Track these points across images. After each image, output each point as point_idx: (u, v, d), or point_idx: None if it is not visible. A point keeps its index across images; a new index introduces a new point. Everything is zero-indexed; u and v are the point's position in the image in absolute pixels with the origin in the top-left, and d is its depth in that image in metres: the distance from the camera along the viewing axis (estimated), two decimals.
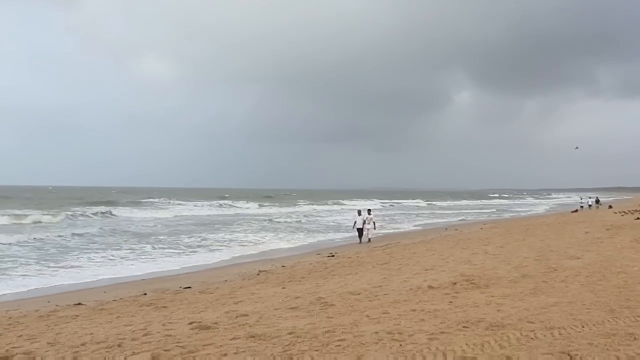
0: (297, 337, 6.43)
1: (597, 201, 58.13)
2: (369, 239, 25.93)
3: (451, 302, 8.40)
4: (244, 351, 5.83)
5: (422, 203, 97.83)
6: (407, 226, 39.90)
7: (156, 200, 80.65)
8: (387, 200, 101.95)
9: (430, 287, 9.97)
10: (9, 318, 9.75)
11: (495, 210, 70.49)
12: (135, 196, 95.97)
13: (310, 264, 17.05)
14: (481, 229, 30.85)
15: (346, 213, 54.76)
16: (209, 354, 5.77)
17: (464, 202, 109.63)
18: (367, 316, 7.60)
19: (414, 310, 7.85)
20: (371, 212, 27.53)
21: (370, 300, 9.02)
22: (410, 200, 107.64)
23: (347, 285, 11.18)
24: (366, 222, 26.41)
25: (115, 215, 47.23)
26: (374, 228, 26.92)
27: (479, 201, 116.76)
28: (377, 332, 6.44)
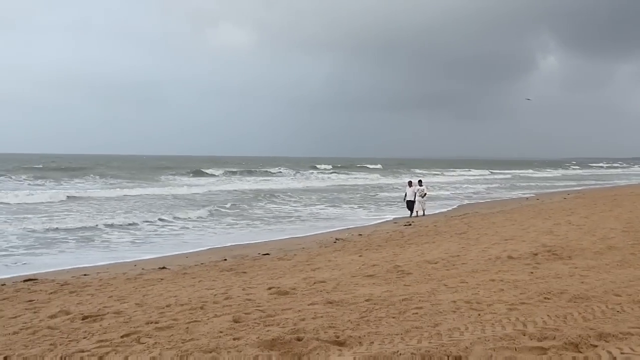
0: (374, 304, 6.47)
1: None
2: (423, 212, 24.65)
3: (532, 272, 8.20)
4: (321, 317, 5.92)
5: (535, 173, 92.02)
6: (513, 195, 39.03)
7: (274, 170, 79.42)
8: (497, 170, 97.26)
9: (509, 257, 9.78)
10: (100, 280, 10.32)
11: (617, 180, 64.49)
12: (227, 165, 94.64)
13: (387, 232, 17.05)
14: (564, 198, 29.80)
15: (445, 185, 52.53)
16: (288, 319, 5.90)
17: (571, 171, 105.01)
18: (445, 285, 7.55)
19: (493, 280, 7.72)
20: (422, 183, 26.00)
21: (447, 270, 8.95)
22: (519, 170, 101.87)
23: (424, 254, 11.13)
24: (417, 193, 24.92)
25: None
26: (424, 199, 25.12)
27: (591, 170, 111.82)
28: (454, 301, 6.38)
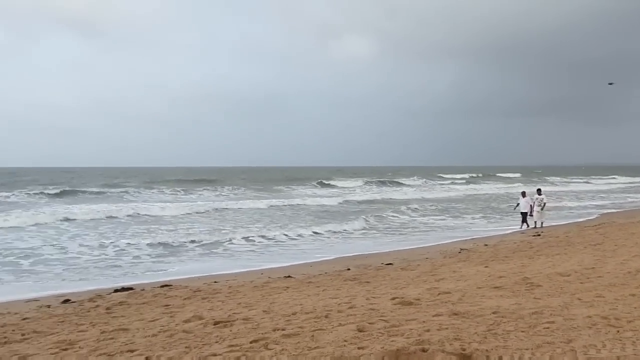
0: (502, 317, 6.24)
1: None
2: (542, 224, 23.11)
3: None
4: (447, 328, 5.81)
5: None
6: None
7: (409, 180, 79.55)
8: None
9: None
10: (229, 287, 10.79)
11: None
12: (351, 176, 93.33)
13: (514, 242, 16.44)
14: None
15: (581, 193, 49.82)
16: (412, 329, 5.85)
17: None
18: (579, 299, 7.13)
19: (634, 295, 7.18)
20: (541, 193, 24.36)
21: (581, 282, 8.45)
22: None
23: (554, 266, 10.60)
24: (535, 203, 23.42)
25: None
26: (544, 210, 23.57)
27: None
28: (590, 316, 6.01)
